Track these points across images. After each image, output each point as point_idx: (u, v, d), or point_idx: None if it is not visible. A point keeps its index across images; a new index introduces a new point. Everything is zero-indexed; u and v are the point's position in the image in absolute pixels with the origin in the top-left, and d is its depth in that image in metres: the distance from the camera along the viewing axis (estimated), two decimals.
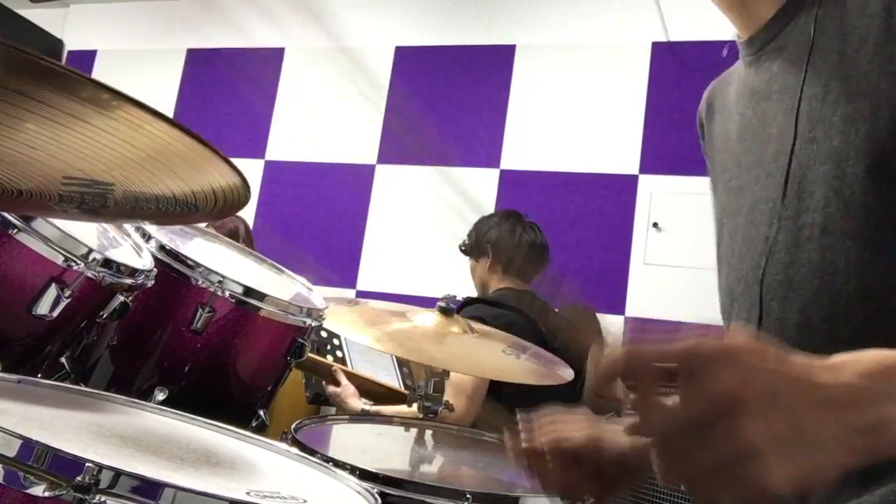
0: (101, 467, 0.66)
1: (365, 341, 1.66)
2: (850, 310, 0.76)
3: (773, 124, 0.87)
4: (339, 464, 1.08)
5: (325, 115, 4.34)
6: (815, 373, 0.54)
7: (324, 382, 2.29)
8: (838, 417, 0.52)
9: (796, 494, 0.50)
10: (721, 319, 0.97)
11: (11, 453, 0.66)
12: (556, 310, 2.84)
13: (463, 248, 2.69)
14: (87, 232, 1.16)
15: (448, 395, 1.77)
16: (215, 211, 0.74)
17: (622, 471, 0.87)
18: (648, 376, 0.54)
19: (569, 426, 0.89)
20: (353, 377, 2.26)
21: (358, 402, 2.15)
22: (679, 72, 3.60)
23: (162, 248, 1.33)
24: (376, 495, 0.91)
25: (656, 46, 3.75)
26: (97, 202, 0.72)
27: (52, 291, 1.04)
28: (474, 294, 2.71)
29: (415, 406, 1.73)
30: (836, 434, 0.52)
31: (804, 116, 0.82)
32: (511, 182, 3.88)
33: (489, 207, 3.69)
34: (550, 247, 2.75)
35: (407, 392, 2.41)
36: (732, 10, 0.93)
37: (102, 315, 1.17)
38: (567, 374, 1.76)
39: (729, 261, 0.90)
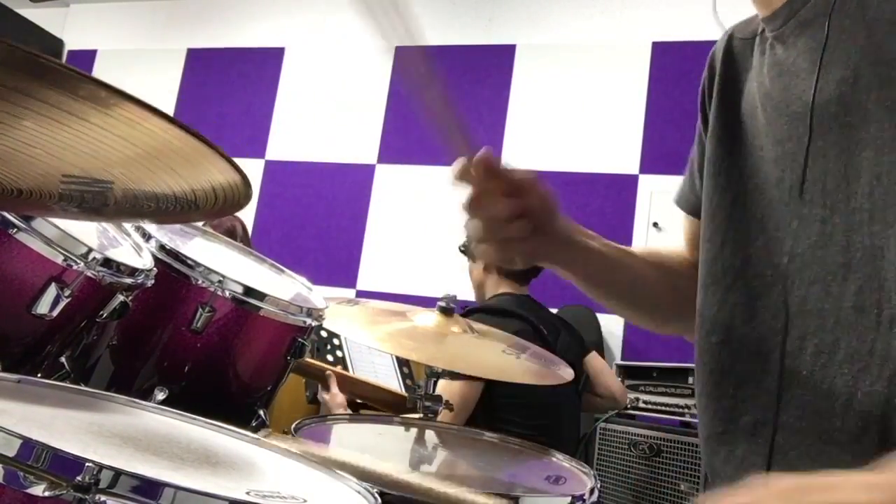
0: (100, 467, 0.65)
1: (365, 341, 1.65)
2: (892, 295, 0.77)
3: (797, 102, 0.87)
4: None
5: (325, 115, 4.34)
6: (853, 477, 0.54)
7: (319, 386, 2.28)
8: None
9: None
10: (706, 276, 0.97)
11: (11, 453, 0.66)
12: (554, 311, 2.84)
13: (462, 248, 2.70)
14: (86, 231, 1.16)
15: None
16: (215, 209, 0.74)
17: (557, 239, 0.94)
18: None
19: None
20: (351, 382, 2.25)
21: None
22: (679, 71, 3.60)
23: (162, 247, 1.33)
24: (376, 495, 0.91)
25: (656, 46, 3.75)
26: (97, 200, 0.72)
27: (52, 291, 1.04)
28: (474, 293, 2.72)
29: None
30: None
31: (835, 100, 0.82)
32: None
33: None
34: None
35: (406, 395, 2.41)
36: None
37: (102, 315, 1.17)
38: (566, 373, 1.75)
39: (774, 234, 0.89)
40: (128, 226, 1.31)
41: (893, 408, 0.55)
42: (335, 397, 2.19)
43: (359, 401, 2.33)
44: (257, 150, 4.42)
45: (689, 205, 1.11)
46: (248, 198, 0.72)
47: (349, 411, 2.17)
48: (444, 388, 2.23)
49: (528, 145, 3.90)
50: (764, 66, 0.94)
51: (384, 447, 1.50)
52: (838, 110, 0.82)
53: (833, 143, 0.82)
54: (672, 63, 3.66)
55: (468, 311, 2.40)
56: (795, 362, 0.83)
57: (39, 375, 1.12)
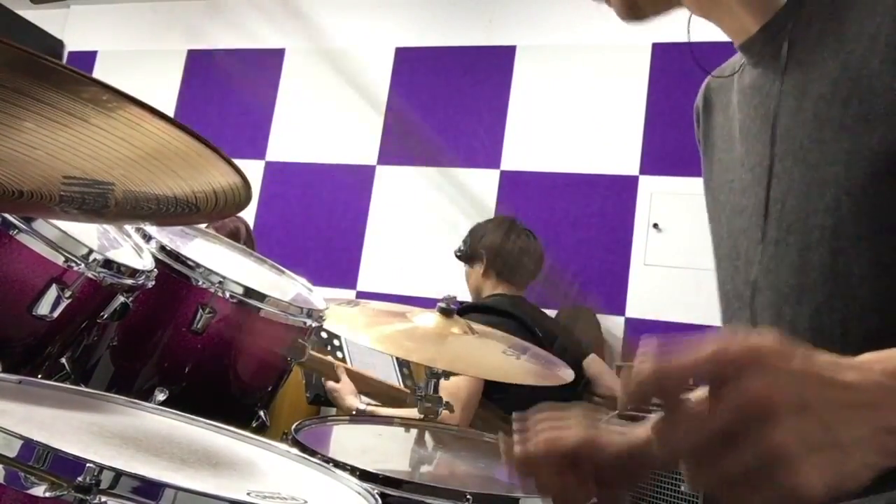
0: (101, 468, 0.66)
1: (365, 342, 1.65)
2: (865, 313, 0.74)
3: (777, 126, 0.86)
4: (339, 464, 1.08)
5: (326, 115, 4.34)
6: (843, 373, 0.53)
7: (323, 378, 2.27)
8: (868, 418, 0.52)
9: (830, 497, 0.50)
10: (722, 322, 0.96)
11: (12, 454, 0.66)
12: (552, 313, 2.84)
13: (458, 254, 2.71)
14: (87, 233, 1.16)
15: None
16: (216, 211, 0.74)
17: (621, 471, 0.85)
18: (677, 389, 0.53)
19: (563, 427, 0.87)
20: (357, 376, 2.25)
21: (354, 401, 2.14)
22: (679, 72, 3.60)
23: (162, 248, 1.33)
24: (377, 496, 0.91)
25: (656, 47, 3.75)
26: (98, 202, 0.72)
27: (53, 292, 1.04)
28: (471, 298, 2.72)
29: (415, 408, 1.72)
30: (867, 435, 0.51)
31: (812, 117, 0.80)
32: (511, 183, 3.88)
33: (489, 208, 3.69)
34: (551, 248, 2.75)
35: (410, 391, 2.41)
36: (713, 19, 0.94)
37: (103, 316, 1.17)
38: (567, 374, 1.76)
39: (735, 263, 0.89)
40: (128, 227, 1.32)
41: None
42: (345, 385, 2.17)
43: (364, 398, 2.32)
44: (258, 151, 4.42)
45: None
46: (248, 199, 0.72)
47: (360, 397, 2.16)
48: (445, 386, 2.23)
49: (529, 147, 3.90)
50: (744, 94, 0.94)
51: (384, 448, 1.50)
52: (811, 128, 0.80)
53: (801, 159, 0.81)
54: (672, 64, 3.66)
55: (462, 309, 2.41)
56: None
57: (40, 376, 1.12)
